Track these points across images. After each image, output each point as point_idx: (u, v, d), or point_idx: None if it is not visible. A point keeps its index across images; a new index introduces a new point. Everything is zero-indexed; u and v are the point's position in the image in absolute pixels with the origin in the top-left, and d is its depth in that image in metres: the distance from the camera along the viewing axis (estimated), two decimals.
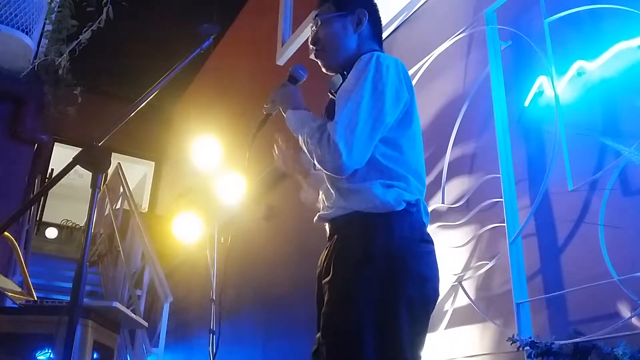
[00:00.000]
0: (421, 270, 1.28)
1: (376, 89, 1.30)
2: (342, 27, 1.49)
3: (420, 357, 1.27)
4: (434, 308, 1.33)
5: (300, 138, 1.37)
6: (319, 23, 1.51)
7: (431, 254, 1.34)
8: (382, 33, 1.59)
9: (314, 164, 1.36)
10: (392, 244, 1.26)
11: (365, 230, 1.28)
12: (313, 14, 1.58)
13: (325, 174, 1.39)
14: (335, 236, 1.35)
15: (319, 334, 1.33)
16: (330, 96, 1.51)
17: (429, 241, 1.34)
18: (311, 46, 1.53)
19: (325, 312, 1.27)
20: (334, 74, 1.51)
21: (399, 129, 1.36)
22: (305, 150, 1.35)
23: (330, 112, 1.38)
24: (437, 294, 1.33)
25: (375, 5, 1.58)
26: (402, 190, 1.31)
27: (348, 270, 1.27)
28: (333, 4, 1.52)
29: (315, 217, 1.45)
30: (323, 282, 1.33)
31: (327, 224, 1.42)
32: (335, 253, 1.32)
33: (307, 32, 3.14)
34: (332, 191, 1.38)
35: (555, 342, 1.56)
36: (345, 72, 1.44)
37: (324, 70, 1.54)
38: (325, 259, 1.37)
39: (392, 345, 1.20)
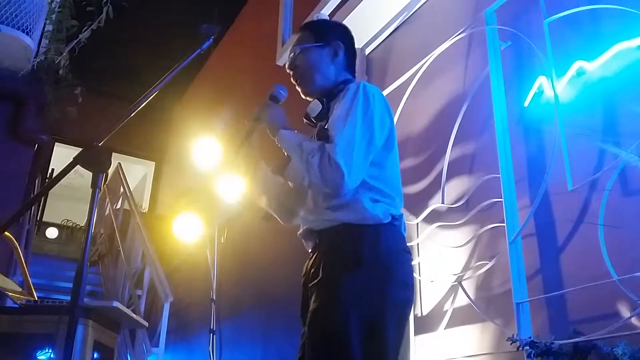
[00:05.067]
0: (404, 276, 1.39)
1: (366, 114, 1.40)
2: (319, 57, 1.58)
3: (398, 355, 1.33)
4: (411, 311, 1.43)
5: (296, 156, 1.41)
6: (298, 52, 1.59)
7: (410, 262, 1.44)
8: (355, 64, 1.68)
9: (309, 180, 1.39)
10: (380, 252, 1.35)
11: (354, 239, 1.36)
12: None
13: (309, 191, 1.46)
14: (323, 245, 1.42)
15: (305, 329, 1.38)
16: (306, 121, 1.59)
17: (409, 252, 1.46)
18: (289, 70, 1.61)
19: (313, 309, 1.32)
20: (311, 99, 1.58)
21: (383, 151, 1.45)
22: (302, 169, 1.38)
23: (321, 138, 1.45)
24: (413, 298, 1.44)
25: (351, 38, 1.67)
26: (388, 205, 1.42)
27: (337, 273, 1.33)
28: (312, 34, 1.62)
29: (300, 231, 1.52)
30: (310, 284, 1.39)
31: (311, 235, 1.48)
32: (325, 259, 1.38)
33: None
34: (317, 206, 1.44)
35: (554, 342, 1.57)
36: (324, 99, 1.53)
37: (302, 96, 1.62)
38: (311, 267, 1.43)
39: (378, 344, 1.26)
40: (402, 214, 1.46)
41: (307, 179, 1.37)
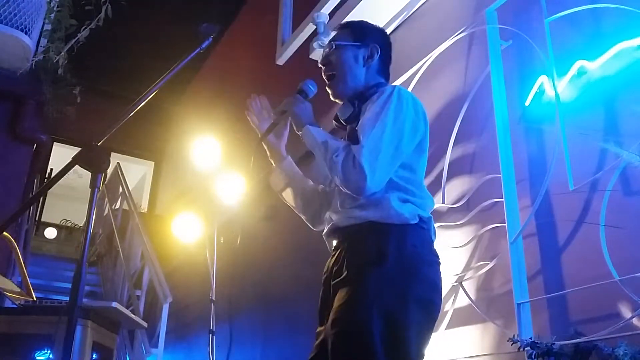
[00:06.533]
0: (431, 277, 1.35)
1: (397, 120, 1.39)
2: (353, 57, 1.56)
3: (423, 356, 1.31)
4: (439, 314, 1.38)
5: (319, 153, 1.41)
6: (333, 47, 1.58)
7: (438, 267, 1.40)
8: (389, 69, 1.65)
9: (331, 180, 1.40)
10: (405, 250, 1.32)
11: (378, 236, 1.34)
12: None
13: (337, 190, 1.45)
14: (347, 243, 1.40)
15: (320, 328, 1.38)
16: (335, 123, 1.57)
17: (437, 256, 1.41)
18: (321, 66, 1.60)
19: (336, 306, 1.30)
20: (340, 102, 1.56)
21: (414, 155, 1.45)
22: (326, 166, 1.39)
23: (352, 139, 1.44)
24: (441, 303, 1.39)
25: (389, 43, 1.65)
26: (417, 206, 1.40)
27: (361, 269, 1.31)
28: (350, 33, 1.60)
29: (324, 231, 1.50)
30: (333, 282, 1.37)
31: (335, 233, 1.46)
32: (348, 256, 1.36)
33: (307, 31, 3.13)
34: (343, 208, 1.43)
35: (556, 342, 1.56)
36: (356, 101, 1.51)
37: (332, 97, 1.60)
38: (334, 265, 1.41)
39: (400, 342, 1.24)
40: (430, 217, 1.44)
41: (329, 178, 1.35)
